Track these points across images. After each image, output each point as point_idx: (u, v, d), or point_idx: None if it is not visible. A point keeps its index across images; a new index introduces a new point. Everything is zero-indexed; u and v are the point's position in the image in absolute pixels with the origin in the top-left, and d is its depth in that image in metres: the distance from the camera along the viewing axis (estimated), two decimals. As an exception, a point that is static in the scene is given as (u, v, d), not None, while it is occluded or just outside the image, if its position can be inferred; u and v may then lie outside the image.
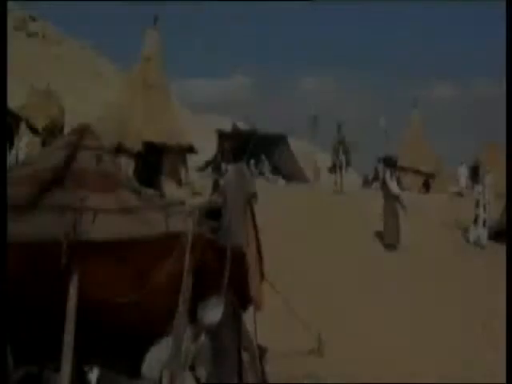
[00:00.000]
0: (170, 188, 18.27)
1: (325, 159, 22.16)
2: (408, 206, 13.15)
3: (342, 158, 20.98)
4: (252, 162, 25.72)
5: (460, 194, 22.41)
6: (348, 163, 22.36)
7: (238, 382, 4.52)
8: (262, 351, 5.55)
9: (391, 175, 13.31)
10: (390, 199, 12.95)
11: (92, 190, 4.20)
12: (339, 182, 21.27)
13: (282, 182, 26.18)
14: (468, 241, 13.71)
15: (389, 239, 12.69)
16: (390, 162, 13.87)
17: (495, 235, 13.54)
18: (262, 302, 4.82)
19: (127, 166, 17.28)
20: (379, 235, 13.58)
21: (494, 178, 19.56)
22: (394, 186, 13.11)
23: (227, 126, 36.27)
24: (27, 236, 3.90)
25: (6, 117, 15.79)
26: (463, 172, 24.90)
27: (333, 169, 22.57)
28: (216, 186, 17.25)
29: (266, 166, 27.59)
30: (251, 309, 5.32)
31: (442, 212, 17.04)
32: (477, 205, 14.16)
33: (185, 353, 4.32)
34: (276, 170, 27.57)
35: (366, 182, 28.92)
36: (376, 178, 28.90)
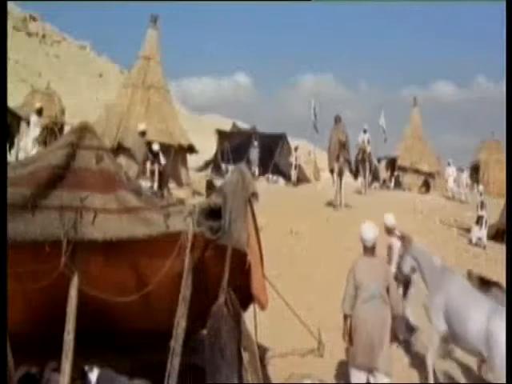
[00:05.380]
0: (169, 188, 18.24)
1: (325, 159, 21.08)
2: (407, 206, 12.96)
3: (342, 160, 16.44)
4: (251, 161, 25.65)
5: (448, 197, 21.83)
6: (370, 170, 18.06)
7: (237, 381, 4.52)
8: (262, 351, 5.54)
9: None
10: None
11: (92, 190, 4.20)
12: (339, 193, 16.63)
13: (282, 181, 26.15)
14: (470, 241, 13.69)
15: None
16: None
17: (494, 235, 13.55)
18: (267, 302, 4.80)
19: (127, 166, 17.26)
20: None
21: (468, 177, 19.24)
22: None
23: (227, 126, 36.30)
24: (27, 236, 3.90)
25: (6, 117, 15.79)
26: (451, 173, 23.18)
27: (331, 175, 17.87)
28: (210, 187, 17.23)
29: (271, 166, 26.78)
30: (251, 309, 5.32)
31: (441, 212, 17.04)
32: (479, 205, 14.16)
33: None
34: (276, 170, 27.51)
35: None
36: (375, 178, 28.92)
